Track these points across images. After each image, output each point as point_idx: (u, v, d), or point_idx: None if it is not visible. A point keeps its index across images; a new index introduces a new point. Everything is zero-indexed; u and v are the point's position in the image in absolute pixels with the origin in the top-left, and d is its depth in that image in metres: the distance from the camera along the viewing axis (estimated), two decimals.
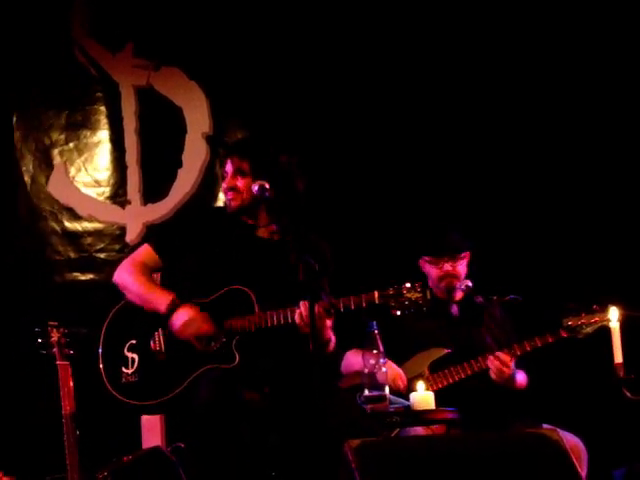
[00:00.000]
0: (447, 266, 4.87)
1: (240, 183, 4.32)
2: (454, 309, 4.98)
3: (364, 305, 3.98)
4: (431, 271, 4.88)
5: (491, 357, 4.61)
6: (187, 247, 4.52)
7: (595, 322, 4.44)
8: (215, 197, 5.85)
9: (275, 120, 6.03)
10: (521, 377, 4.72)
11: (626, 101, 6.41)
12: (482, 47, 6.58)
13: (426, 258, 4.92)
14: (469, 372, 4.67)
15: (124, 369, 4.40)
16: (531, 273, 5.82)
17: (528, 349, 4.63)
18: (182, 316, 4.29)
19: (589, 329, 4.50)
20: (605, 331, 4.15)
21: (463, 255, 4.92)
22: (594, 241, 6.06)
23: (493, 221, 6.08)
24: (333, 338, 4.21)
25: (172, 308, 4.28)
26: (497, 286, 5.09)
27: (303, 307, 3.95)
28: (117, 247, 6.07)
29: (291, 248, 4.16)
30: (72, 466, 4.26)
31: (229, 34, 6.28)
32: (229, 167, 4.41)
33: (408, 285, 3.95)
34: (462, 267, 4.91)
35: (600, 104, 6.46)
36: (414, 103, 6.31)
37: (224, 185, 4.48)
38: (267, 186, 4.12)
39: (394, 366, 4.61)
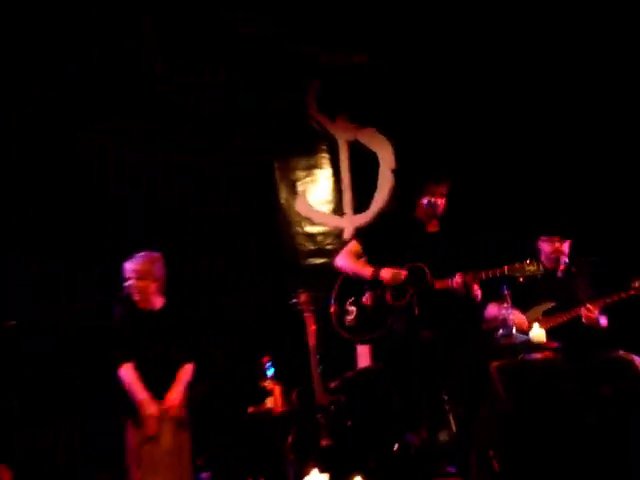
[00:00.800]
0: (557, 245, 5.90)
1: (442, 201, 5.59)
2: (558, 275, 5.94)
3: (498, 275, 5.12)
4: (545, 248, 5.90)
5: (582, 308, 5.60)
6: (380, 241, 5.73)
7: None
8: (401, 211, 6.15)
9: (431, 156, 6.91)
10: (603, 320, 5.65)
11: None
12: None
13: (543, 238, 5.94)
14: (568, 317, 5.64)
15: (347, 316, 5.58)
16: (610, 244, 6.39)
17: (608, 302, 5.58)
18: (386, 273, 5.43)
19: None
20: None
21: (567, 240, 5.91)
22: None
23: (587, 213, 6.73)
24: (479, 295, 5.20)
25: (375, 274, 5.46)
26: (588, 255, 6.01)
27: (458, 277, 5.17)
28: (338, 242, 7.29)
29: (449, 239, 5.52)
30: (316, 379, 5.40)
31: (406, 106, 7.43)
32: (442, 190, 5.57)
33: (528, 261, 5.08)
34: (566, 247, 5.92)
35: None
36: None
37: (438, 201, 5.56)
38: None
39: (519, 313, 5.59)
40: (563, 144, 7.06)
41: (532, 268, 5.09)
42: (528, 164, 7.02)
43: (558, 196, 6.79)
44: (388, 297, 5.47)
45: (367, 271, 5.55)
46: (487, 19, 7.24)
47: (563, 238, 5.93)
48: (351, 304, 5.64)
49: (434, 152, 6.98)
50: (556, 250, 5.89)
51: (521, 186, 6.96)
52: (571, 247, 5.96)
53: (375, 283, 5.51)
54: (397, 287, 5.44)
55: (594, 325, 5.63)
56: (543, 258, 5.76)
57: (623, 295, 5.54)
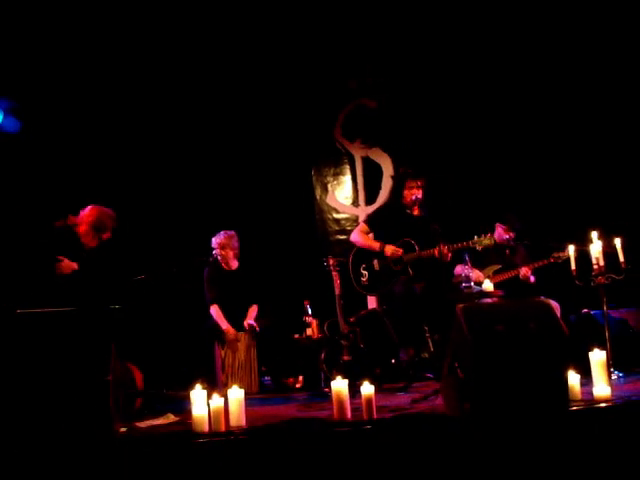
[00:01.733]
0: (507, 232, 5.86)
1: (419, 192, 5.61)
2: (507, 250, 5.91)
3: (465, 245, 5.24)
4: (499, 231, 5.86)
5: (520, 269, 5.69)
6: (381, 223, 5.79)
7: (566, 255, 5.16)
8: (396, 203, 5.86)
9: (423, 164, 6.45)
10: (532, 278, 5.71)
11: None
12: None
13: (499, 224, 5.89)
14: (510, 275, 5.73)
15: (361, 278, 5.73)
16: (539, 227, 6.18)
17: (536, 266, 5.68)
18: (388, 249, 5.51)
19: (564, 258, 5.37)
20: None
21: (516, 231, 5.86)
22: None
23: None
24: (449, 258, 5.29)
25: (382, 247, 5.54)
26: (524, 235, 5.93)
27: (437, 248, 5.20)
28: (354, 225, 7.05)
29: (429, 220, 5.43)
30: (340, 315, 5.34)
31: (400, 134, 7.28)
32: (418, 183, 5.59)
33: (483, 236, 5.17)
34: (512, 234, 5.86)
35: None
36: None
37: (416, 192, 5.57)
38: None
39: (477, 271, 5.62)
40: (512, 159, 6.82)
41: (487, 241, 5.17)
42: (489, 170, 6.87)
43: (508, 196, 6.61)
44: (390, 263, 5.56)
45: (375, 245, 5.60)
46: (462, 61, 7.00)
47: (512, 229, 5.88)
48: (364, 268, 5.71)
49: (418, 161, 6.78)
50: (506, 236, 5.89)
51: (483, 184, 6.82)
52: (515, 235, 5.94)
53: (381, 254, 5.58)
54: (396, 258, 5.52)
55: (526, 281, 5.71)
56: (496, 236, 5.69)
57: (545, 262, 5.63)
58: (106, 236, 4.94)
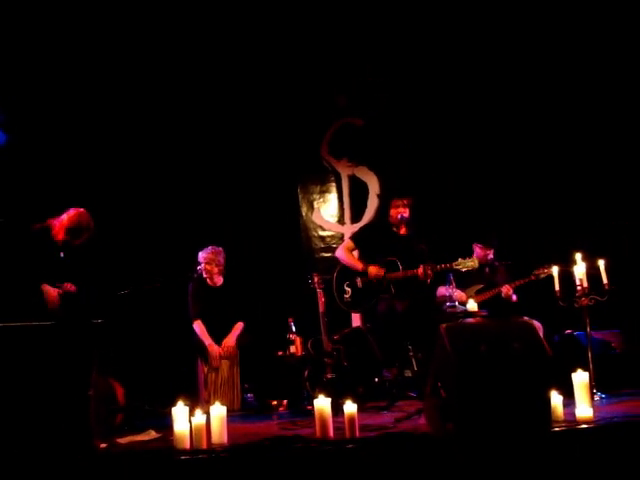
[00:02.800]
0: (486, 251, 5.90)
1: (404, 210, 5.59)
2: (486, 269, 5.94)
3: (448, 267, 5.25)
4: (478, 251, 5.88)
5: (501, 288, 5.73)
6: (367, 241, 5.76)
7: (548, 272, 5.29)
8: (382, 222, 5.94)
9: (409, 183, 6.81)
10: (514, 297, 5.74)
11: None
12: None
13: (478, 244, 5.93)
14: (492, 294, 5.78)
15: (344, 295, 5.72)
16: (522, 248, 6.41)
17: (517, 284, 5.71)
18: (372, 269, 5.50)
19: (544, 276, 5.44)
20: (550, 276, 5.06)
21: (494, 248, 5.94)
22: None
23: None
24: (430, 279, 5.31)
25: (364, 268, 5.54)
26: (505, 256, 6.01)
27: (421, 268, 5.26)
28: (340, 242, 6.91)
29: (414, 240, 5.50)
30: (324, 333, 5.39)
31: (386, 153, 7.31)
32: (404, 202, 5.58)
33: (467, 258, 5.26)
34: (491, 253, 5.94)
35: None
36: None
37: (402, 212, 5.56)
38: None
39: (460, 292, 5.63)
40: (496, 180, 6.85)
41: (471, 263, 5.21)
42: (469, 193, 6.88)
43: (487, 217, 6.64)
44: (373, 281, 5.52)
45: (359, 266, 5.60)
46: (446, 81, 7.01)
47: (489, 247, 5.95)
48: (347, 285, 5.70)
49: (404, 181, 6.97)
50: (485, 255, 5.92)
51: (462, 207, 6.83)
52: (494, 253, 5.99)
53: (365, 273, 5.56)
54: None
55: (509, 300, 5.74)
56: (475, 256, 5.68)
57: (526, 279, 5.65)
58: (80, 241, 4.90)
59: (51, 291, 4.69)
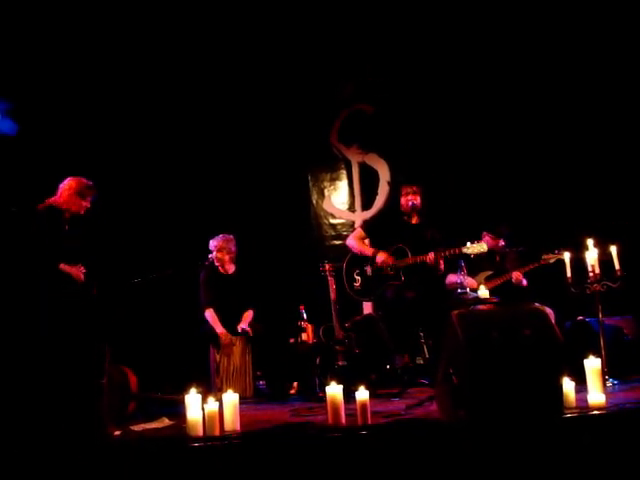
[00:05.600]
0: (497, 240, 5.92)
1: (414, 198, 5.60)
2: (497, 256, 5.97)
3: (457, 252, 5.17)
4: (489, 241, 5.80)
5: (512, 274, 5.75)
6: (377, 229, 5.76)
7: (557, 257, 5.39)
8: (392, 209, 6.15)
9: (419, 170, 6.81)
10: (525, 282, 5.74)
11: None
12: None
13: (489, 234, 5.94)
14: (502, 280, 5.79)
15: (354, 283, 5.67)
16: (533, 234, 6.18)
17: (526, 269, 5.72)
18: (381, 256, 5.48)
19: (554, 260, 5.47)
20: (561, 262, 5.09)
21: (504, 237, 5.94)
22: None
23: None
24: (442, 267, 5.29)
25: (374, 253, 5.51)
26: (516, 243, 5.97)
27: (431, 254, 5.23)
28: (350, 230, 7.08)
29: (426, 228, 5.56)
30: (335, 320, 5.45)
31: (397, 140, 7.25)
32: (414, 190, 5.57)
33: (476, 243, 5.12)
34: (502, 242, 5.95)
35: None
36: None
37: (412, 199, 5.56)
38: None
39: (470, 279, 5.62)
40: (508, 166, 6.76)
41: (479, 248, 5.12)
42: (484, 177, 6.82)
43: (498, 204, 6.59)
44: (384, 269, 5.49)
45: (369, 252, 5.57)
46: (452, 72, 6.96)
47: (499, 236, 5.94)
48: (357, 274, 5.66)
49: (414, 168, 6.93)
50: (495, 243, 5.91)
51: (479, 191, 6.78)
52: (505, 240, 5.98)
53: (374, 259, 5.53)
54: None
55: (519, 285, 5.74)
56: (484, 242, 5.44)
57: (536, 264, 5.65)
58: (89, 203, 4.92)
59: (74, 270, 4.69)
